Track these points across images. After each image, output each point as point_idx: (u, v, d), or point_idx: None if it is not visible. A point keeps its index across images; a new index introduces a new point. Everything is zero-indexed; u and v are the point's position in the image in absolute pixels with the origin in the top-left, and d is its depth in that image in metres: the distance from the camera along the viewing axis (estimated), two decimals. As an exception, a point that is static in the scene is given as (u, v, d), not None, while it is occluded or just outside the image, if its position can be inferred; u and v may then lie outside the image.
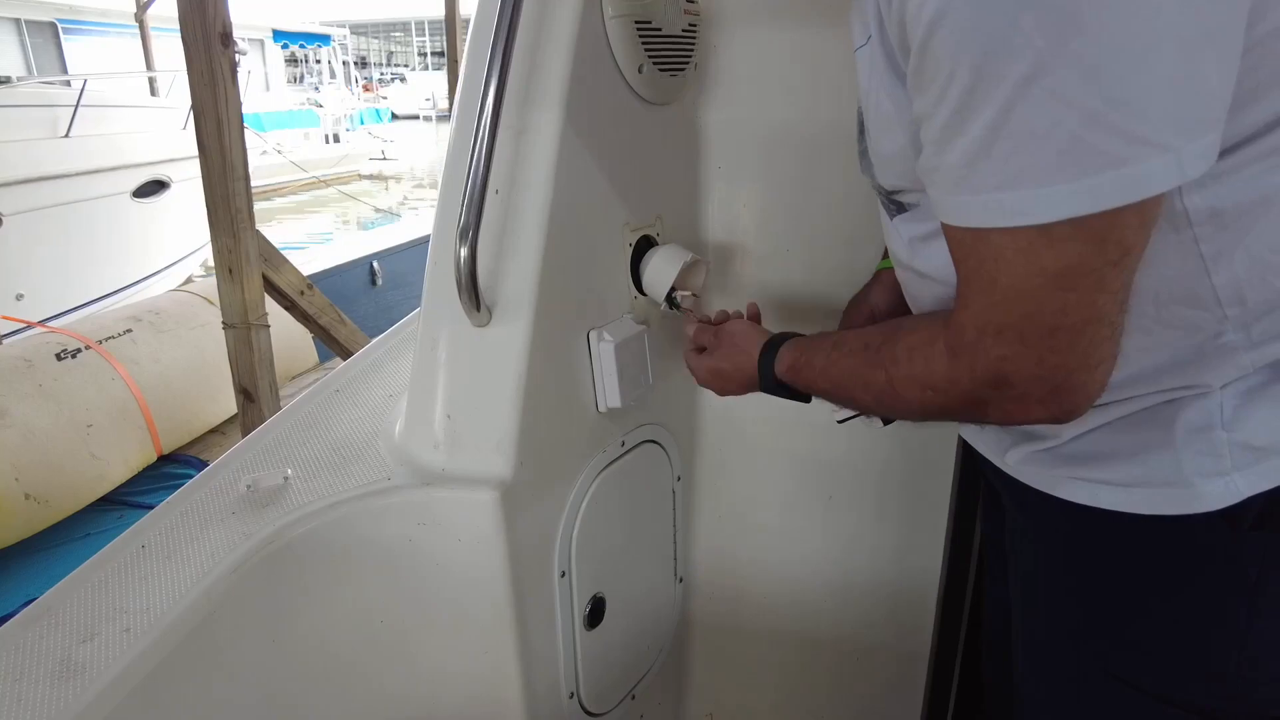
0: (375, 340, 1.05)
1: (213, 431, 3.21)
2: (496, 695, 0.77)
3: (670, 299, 0.80)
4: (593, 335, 0.77)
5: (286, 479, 0.73)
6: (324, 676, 0.71)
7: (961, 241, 0.44)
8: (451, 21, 4.92)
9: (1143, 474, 0.50)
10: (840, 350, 0.59)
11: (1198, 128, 0.38)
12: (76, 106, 4.69)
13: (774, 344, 0.67)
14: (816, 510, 1.03)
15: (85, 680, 0.53)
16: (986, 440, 0.63)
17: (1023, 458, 0.58)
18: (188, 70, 2.23)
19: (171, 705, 0.57)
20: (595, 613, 0.86)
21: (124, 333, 3.04)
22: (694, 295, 0.81)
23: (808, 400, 0.66)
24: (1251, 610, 0.49)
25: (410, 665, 0.76)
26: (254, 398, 2.54)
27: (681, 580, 1.06)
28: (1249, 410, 0.48)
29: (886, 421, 0.71)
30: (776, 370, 0.66)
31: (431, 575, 0.72)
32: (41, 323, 3.55)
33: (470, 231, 0.62)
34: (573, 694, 0.85)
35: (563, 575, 0.80)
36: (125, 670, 0.54)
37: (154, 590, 0.60)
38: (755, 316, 0.77)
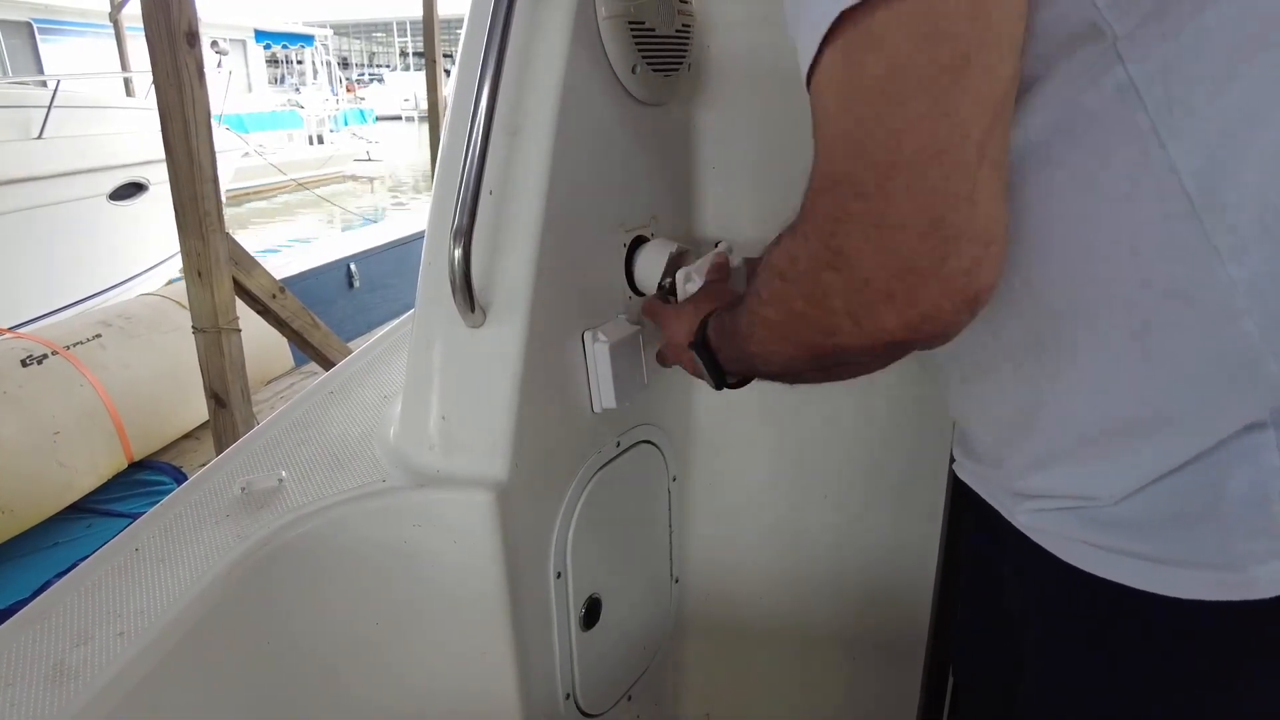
0: (369, 342, 1.05)
1: (186, 437, 3.17)
2: (492, 696, 0.77)
3: (661, 287, 0.81)
4: (587, 336, 0.77)
5: (281, 481, 0.72)
6: (319, 678, 0.71)
7: (815, 87, 0.37)
8: (430, 22, 4.89)
9: (1183, 552, 0.42)
10: (736, 307, 0.53)
11: None
12: (49, 107, 4.60)
13: (704, 324, 0.61)
14: (812, 509, 1.04)
15: (79, 684, 0.52)
16: (994, 490, 0.54)
17: (1040, 517, 0.49)
18: (153, 70, 2.19)
19: (166, 709, 0.56)
20: (591, 613, 0.86)
21: (93, 338, 2.99)
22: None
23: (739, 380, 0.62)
24: None
25: (405, 667, 0.76)
26: (226, 403, 2.50)
27: (677, 580, 1.06)
28: None
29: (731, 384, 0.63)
30: (711, 343, 0.59)
31: (427, 577, 0.72)
32: (12, 329, 3.48)
33: (464, 232, 0.62)
34: (569, 695, 0.85)
35: (558, 576, 0.80)
36: (119, 674, 0.53)
37: (148, 593, 0.60)
38: (723, 265, 0.73)
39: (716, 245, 0.78)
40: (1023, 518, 0.51)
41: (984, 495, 0.57)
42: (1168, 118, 0.36)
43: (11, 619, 0.57)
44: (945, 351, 0.51)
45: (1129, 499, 0.44)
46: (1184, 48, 0.36)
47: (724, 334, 0.57)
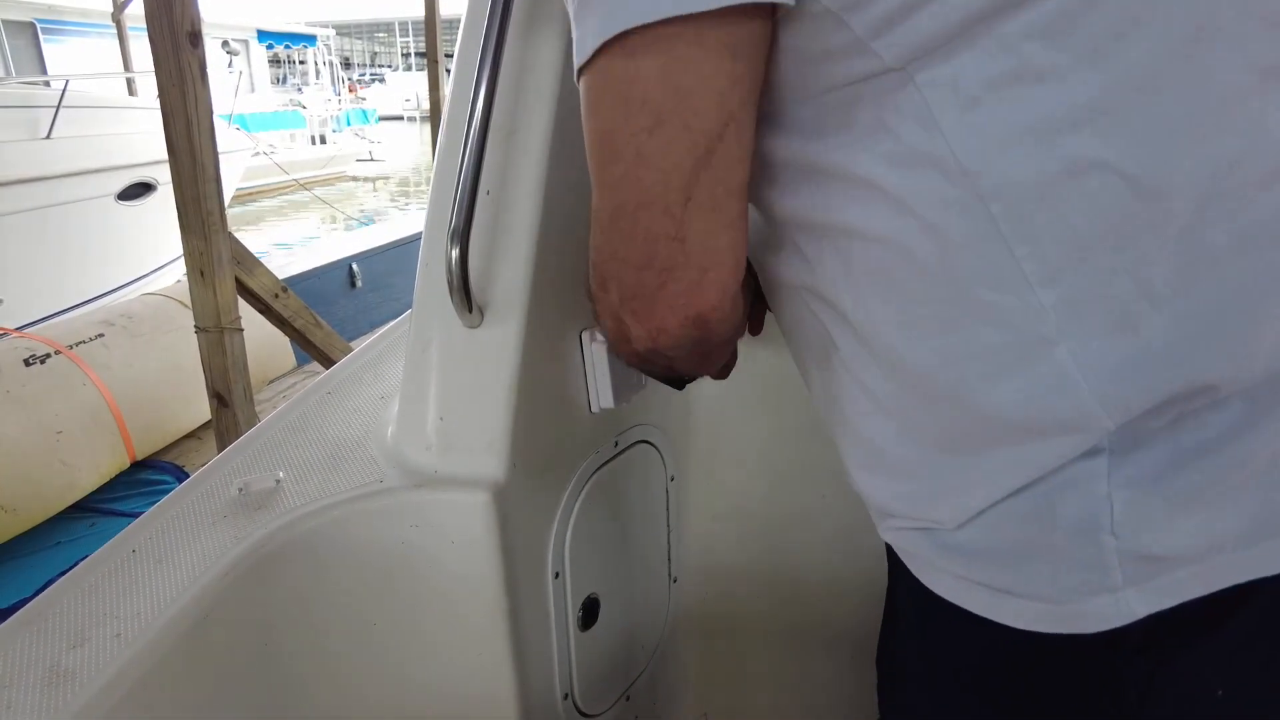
0: (367, 342, 1.05)
1: (188, 437, 3.17)
2: (490, 697, 0.77)
3: None
4: (585, 336, 0.77)
5: (278, 482, 0.72)
6: (317, 680, 0.71)
7: None
8: (431, 22, 4.89)
9: (1014, 581, 0.41)
10: None
11: None
12: (58, 107, 4.62)
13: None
14: (811, 509, 1.04)
15: (75, 686, 0.52)
16: (869, 499, 0.54)
17: (896, 534, 0.49)
18: (155, 70, 2.19)
19: (163, 710, 0.56)
20: (589, 613, 0.86)
21: (95, 337, 2.99)
22: None
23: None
24: None
25: (403, 668, 0.76)
26: (228, 402, 2.50)
27: (676, 580, 1.06)
28: (1144, 509, 0.37)
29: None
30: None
31: (424, 577, 0.72)
32: (18, 330, 3.50)
33: (461, 232, 0.62)
34: (567, 695, 0.85)
35: (556, 576, 0.80)
36: (116, 676, 0.53)
37: (145, 595, 0.60)
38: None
39: None
40: (886, 535, 0.51)
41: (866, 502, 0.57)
42: (962, 143, 0.36)
43: (7, 621, 0.57)
44: (802, 362, 0.56)
45: (969, 524, 0.42)
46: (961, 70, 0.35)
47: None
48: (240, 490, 0.71)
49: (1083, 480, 0.38)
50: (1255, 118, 0.33)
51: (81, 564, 0.63)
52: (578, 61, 0.37)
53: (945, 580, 0.45)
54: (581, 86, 0.38)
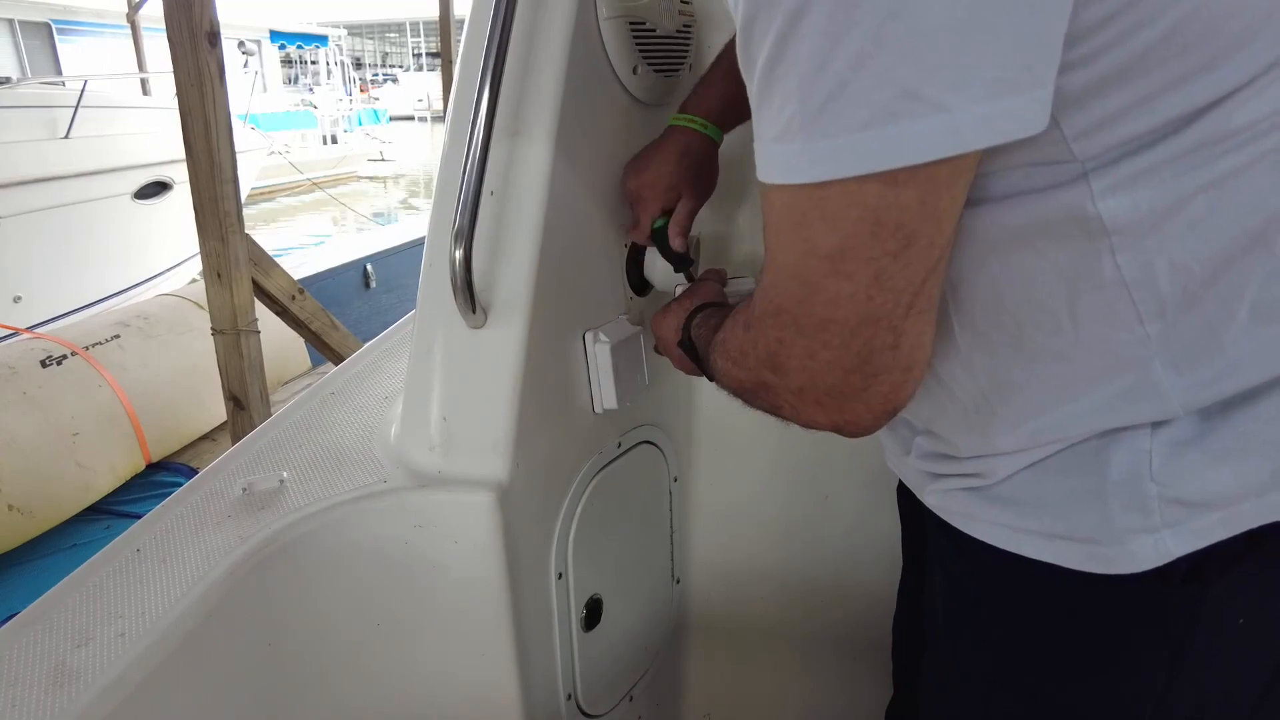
0: (370, 343, 1.05)
1: (203, 438, 3.15)
2: (494, 697, 0.77)
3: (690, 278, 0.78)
4: (588, 336, 0.77)
5: (282, 482, 0.73)
6: (321, 679, 0.71)
7: (768, 203, 0.39)
8: (446, 22, 4.91)
9: (1067, 526, 0.46)
10: (705, 326, 0.58)
11: (988, 87, 0.31)
12: (77, 107, 4.67)
13: (689, 322, 0.64)
14: (813, 510, 1.03)
15: (80, 685, 0.53)
16: (907, 472, 0.59)
17: (943, 495, 0.53)
18: (174, 70, 2.17)
19: (167, 710, 0.57)
20: (593, 614, 0.86)
21: (111, 338, 2.99)
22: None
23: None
24: (1172, 670, 0.46)
25: (407, 668, 0.76)
26: (244, 405, 2.49)
27: (679, 581, 1.06)
28: (1179, 462, 0.43)
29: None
30: (691, 340, 0.63)
31: (428, 577, 0.72)
32: (30, 329, 3.53)
33: (465, 233, 0.62)
34: (570, 695, 0.85)
35: (560, 576, 0.80)
36: (121, 675, 0.54)
37: (149, 594, 0.60)
38: (723, 279, 0.75)
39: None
40: (930, 499, 0.54)
41: (902, 478, 0.61)
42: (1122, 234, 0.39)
43: (12, 620, 0.58)
44: None
45: (1017, 475, 0.47)
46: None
47: (702, 342, 0.60)
48: (244, 490, 0.71)
49: (1128, 436, 0.43)
50: None
51: (86, 563, 0.64)
52: (819, 175, 0.34)
53: (996, 531, 0.49)
54: (801, 199, 0.36)
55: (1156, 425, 0.43)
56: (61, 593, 0.61)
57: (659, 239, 0.77)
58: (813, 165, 0.34)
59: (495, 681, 0.76)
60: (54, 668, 0.54)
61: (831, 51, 0.32)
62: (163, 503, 0.71)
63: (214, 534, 0.66)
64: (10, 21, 8.12)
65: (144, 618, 0.58)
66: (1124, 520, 0.43)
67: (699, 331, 0.61)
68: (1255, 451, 0.42)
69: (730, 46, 0.72)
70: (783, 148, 0.35)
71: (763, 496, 1.04)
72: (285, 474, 0.73)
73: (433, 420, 0.72)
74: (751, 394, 0.48)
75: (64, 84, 6.49)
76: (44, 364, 2.72)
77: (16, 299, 4.31)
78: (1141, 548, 0.43)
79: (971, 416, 0.48)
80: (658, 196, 0.75)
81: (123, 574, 0.62)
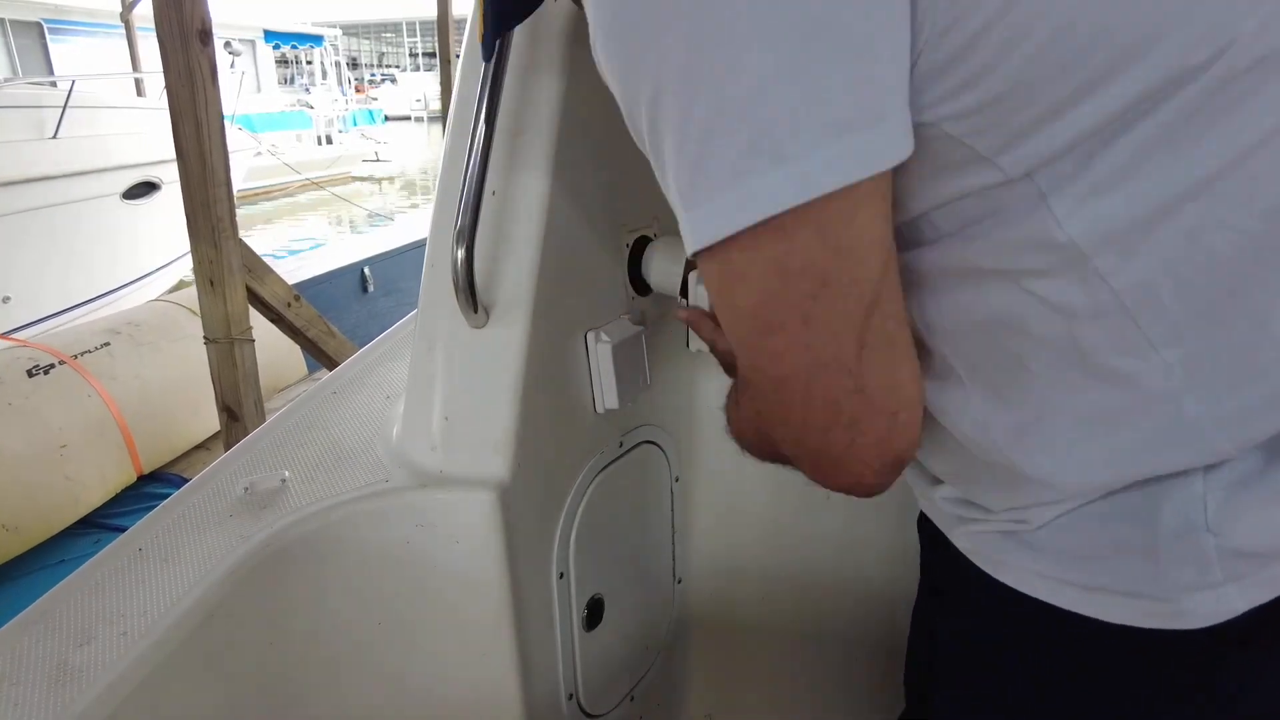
0: (372, 343, 1.05)
1: (198, 448, 3.05)
2: (495, 697, 0.77)
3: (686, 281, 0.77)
4: (590, 336, 0.77)
5: (284, 481, 0.72)
6: (322, 678, 0.71)
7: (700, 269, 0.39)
8: (444, 22, 4.91)
9: (1112, 579, 0.42)
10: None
11: (825, 129, 0.32)
12: (65, 107, 4.65)
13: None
14: (815, 509, 1.03)
15: (82, 684, 0.52)
16: (936, 513, 0.55)
17: (974, 538, 0.50)
18: (164, 70, 2.09)
19: (169, 709, 0.57)
20: (594, 614, 0.86)
21: (101, 346, 2.89)
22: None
23: None
24: None
25: (408, 668, 0.76)
26: (238, 416, 2.39)
27: (680, 581, 1.06)
28: (1237, 508, 0.39)
29: None
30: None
31: (429, 577, 0.72)
32: (19, 329, 3.45)
33: (467, 233, 0.62)
34: (571, 695, 0.85)
35: (561, 576, 0.80)
36: (123, 674, 0.54)
37: (151, 594, 0.60)
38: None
39: None
40: (960, 540, 0.51)
41: (931, 518, 0.57)
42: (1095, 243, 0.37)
43: (14, 619, 0.58)
44: None
45: (1055, 522, 0.44)
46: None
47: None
48: (246, 490, 0.71)
49: (1181, 482, 0.40)
50: None
51: (88, 563, 0.63)
52: (702, 242, 0.35)
53: (1028, 579, 0.46)
54: (713, 265, 0.37)
55: (1210, 467, 0.39)
56: (63, 592, 0.60)
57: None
58: (701, 231, 0.35)
59: (496, 681, 0.76)
60: (56, 667, 0.54)
61: (686, 126, 0.34)
62: (164, 502, 0.71)
63: (216, 533, 0.66)
64: (1, 22, 8.06)
65: (145, 617, 0.58)
66: (1178, 576, 0.40)
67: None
68: None
69: None
70: (683, 217, 0.36)
71: (764, 496, 1.05)
72: (287, 473, 0.73)
73: (434, 420, 0.72)
74: (784, 464, 0.46)
75: (55, 84, 6.45)
76: (30, 373, 2.63)
77: (5, 299, 4.29)
78: (1200, 604, 0.40)
79: (997, 471, 0.45)
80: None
81: (124, 573, 0.62)
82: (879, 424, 0.37)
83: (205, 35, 2.11)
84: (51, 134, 4.62)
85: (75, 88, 4.76)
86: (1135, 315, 0.37)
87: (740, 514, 1.06)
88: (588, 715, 0.88)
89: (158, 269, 5.47)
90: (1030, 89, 0.34)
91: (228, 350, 2.35)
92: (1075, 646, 0.45)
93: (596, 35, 0.37)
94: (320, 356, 2.94)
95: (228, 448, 2.50)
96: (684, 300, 0.79)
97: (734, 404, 0.55)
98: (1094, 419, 0.40)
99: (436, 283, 0.70)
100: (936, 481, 0.53)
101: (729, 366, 0.63)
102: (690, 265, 0.79)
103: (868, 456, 0.38)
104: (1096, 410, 0.40)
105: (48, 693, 0.52)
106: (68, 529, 2.53)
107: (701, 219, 0.35)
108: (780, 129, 0.32)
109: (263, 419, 2.53)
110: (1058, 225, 0.36)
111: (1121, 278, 0.36)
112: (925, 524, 0.70)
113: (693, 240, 0.36)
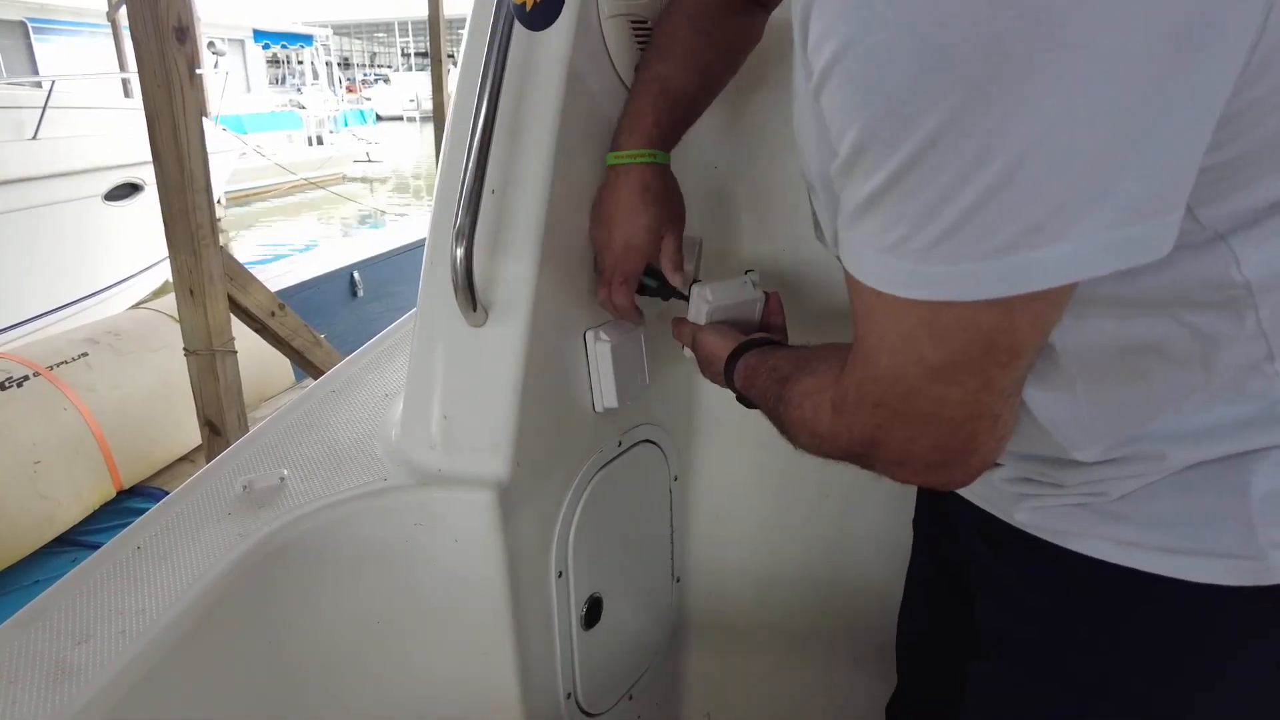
0: (371, 341, 1.04)
1: (181, 460, 2.92)
2: (494, 696, 0.77)
3: (697, 281, 0.75)
4: (589, 335, 0.77)
5: (283, 480, 0.72)
6: (320, 678, 0.70)
7: (859, 293, 0.39)
8: (435, 22, 4.90)
9: (1198, 543, 0.45)
10: (768, 375, 0.57)
11: (1114, 215, 0.32)
12: (44, 108, 4.57)
13: (736, 355, 0.64)
14: (813, 509, 1.04)
15: (81, 682, 0.52)
16: (991, 498, 0.57)
17: (1039, 512, 0.52)
18: (139, 70, 1.96)
19: (168, 707, 0.56)
20: (593, 613, 0.86)
21: (79, 357, 2.76)
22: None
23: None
24: None
25: (407, 666, 0.76)
26: (220, 430, 2.27)
27: (679, 580, 1.06)
28: None
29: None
30: (736, 384, 0.64)
31: (428, 576, 0.72)
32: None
33: (466, 232, 0.62)
34: (570, 694, 0.85)
35: (560, 575, 0.80)
36: (121, 672, 0.53)
37: (150, 592, 0.59)
38: (777, 307, 0.74)
39: (746, 273, 0.75)
40: (1023, 516, 0.53)
41: (982, 505, 0.58)
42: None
43: (12, 618, 0.57)
44: None
45: (1137, 492, 0.46)
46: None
47: (751, 388, 0.60)
48: (244, 488, 0.71)
49: (1268, 453, 0.43)
50: None
51: (86, 561, 0.63)
52: (921, 296, 0.35)
53: (1104, 546, 0.49)
54: (908, 316, 0.37)
55: None
56: (61, 590, 0.60)
57: (650, 289, 0.75)
58: (926, 286, 0.35)
59: (495, 679, 0.76)
60: (54, 665, 0.53)
61: (958, 189, 0.32)
62: (162, 501, 0.70)
63: (214, 531, 0.66)
64: (-16, 20, 7.96)
65: (144, 615, 0.57)
66: (1269, 534, 0.43)
67: (754, 372, 0.60)
68: None
69: (644, 72, 0.71)
70: (892, 261, 0.36)
71: (763, 495, 1.05)
72: (285, 472, 0.73)
73: (433, 419, 0.72)
74: (837, 458, 0.49)
75: (40, 85, 6.37)
76: (3, 386, 2.50)
77: (-15, 303, 4.22)
78: None
79: (1080, 448, 0.47)
80: (642, 255, 0.71)
81: (123, 572, 0.62)
82: (993, 445, 0.41)
83: (182, 32, 1.96)
84: (31, 135, 4.55)
85: (55, 88, 4.69)
86: (1270, 339, 0.40)
87: (739, 513, 1.06)
88: (586, 714, 0.88)
89: (141, 271, 5.40)
90: (1258, 157, 0.36)
91: (209, 362, 2.23)
92: (1153, 606, 0.48)
93: (859, 38, 0.33)
94: (306, 367, 2.84)
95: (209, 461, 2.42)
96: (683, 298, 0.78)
97: (761, 370, 0.59)
98: (1196, 410, 0.43)
99: (436, 282, 0.70)
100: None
101: (708, 363, 0.67)
102: (691, 250, 0.78)
103: (975, 466, 0.42)
104: (1201, 404, 0.43)
105: (45, 691, 0.52)
106: (43, 547, 2.44)
107: (941, 276, 0.34)
108: (1070, 210, 0.32)
109: (246, 432, 2.46)
110: (1237, 267, 0.39)
111: (1272, 310, 0.40)
112: (935, 521, 0.71)
113: (909, 286, 0.35)
